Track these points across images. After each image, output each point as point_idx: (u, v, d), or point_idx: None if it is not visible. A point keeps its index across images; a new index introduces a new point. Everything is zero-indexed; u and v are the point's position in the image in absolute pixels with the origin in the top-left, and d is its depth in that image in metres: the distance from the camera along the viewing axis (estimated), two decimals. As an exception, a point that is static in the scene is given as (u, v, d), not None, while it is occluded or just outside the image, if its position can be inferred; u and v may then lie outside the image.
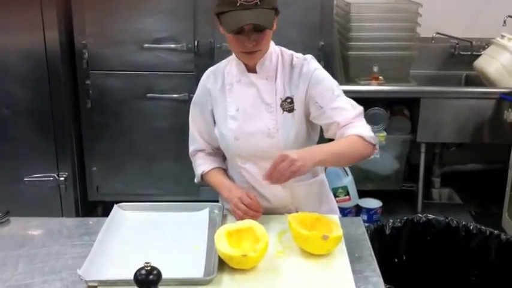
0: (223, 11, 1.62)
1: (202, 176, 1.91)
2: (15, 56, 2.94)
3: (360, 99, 3.31)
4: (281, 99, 1.76)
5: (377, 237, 2.15)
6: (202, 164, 1.92)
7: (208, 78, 1.85)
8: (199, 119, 1.88)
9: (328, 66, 3.14)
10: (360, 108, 1.77)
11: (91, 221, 1.77)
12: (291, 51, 1.83)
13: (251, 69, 1.77)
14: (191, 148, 1.95)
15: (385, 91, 3.34)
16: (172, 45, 3.04)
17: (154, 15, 3.01)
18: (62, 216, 3.21)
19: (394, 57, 3.40)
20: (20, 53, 2.94)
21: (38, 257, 1.56)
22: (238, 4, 1.59)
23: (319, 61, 3.01)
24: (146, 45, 3.04)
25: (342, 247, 1.59)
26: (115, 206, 1.78)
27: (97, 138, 3.23)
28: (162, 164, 3.27)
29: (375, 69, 3.35)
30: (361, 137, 1.68)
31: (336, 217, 1.72)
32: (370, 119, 3.34)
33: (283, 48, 1.83)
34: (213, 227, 1.68)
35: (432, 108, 3.29)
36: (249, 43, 1.64)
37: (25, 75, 2.98)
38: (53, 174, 3.15)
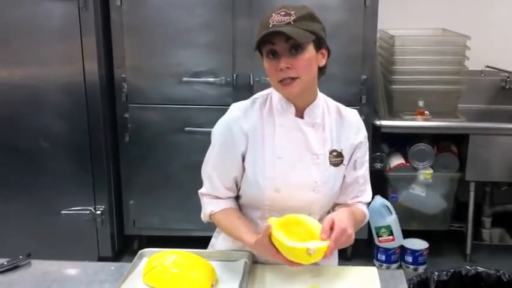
0: (259, 36, 1.51)
1: (210, 216, 1.71)
2: (54, 88, 2.97)
3: (405, 134, 3.28)
4: (328, 151, 1.63)
5: (421, 292, 2.01)
6: (211, 203, 1.70)
7: (243, 114, 1.62)
8: (225, 161, 1.65)
9: (370, 101, 3.08)
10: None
11: (113, 266, 1.68)
12: (334, 101, 1.71)
13: (298, 114, 1.62)
14: (204, 190, 1.72)
15: (432, 127, 3.22)
16: (211, 79, 3.02)
17: (193, 49, 3.00)
18: (98, 249, 3.20)
19: (440, 92, 3.28)
20: (59, 86, 2.97)
21: (54, 307, 1.49)
22: (270, 26, 1.49)
23: (361, 96, 3.03)
24: (185, 78, 3.02)
25: None
26: (139, 252, 1.67)
27: (134, 171, 3.21)
28: (198, 199, 3.20)
29: (421, 103, 3.23)
30: (365, 218, 1.74)
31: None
32: (416, 156, 3.22)
33: (326, 96, 1.71)
34: (244, 281, 1.54)
35: (482, 145, 3.16)
36: (283, 64, 1.50)
37: (64, 108, 3.00)
38: (89, 208, 3.14)
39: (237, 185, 1.69)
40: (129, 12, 2.99)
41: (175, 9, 2.98)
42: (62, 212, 3.11)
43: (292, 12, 1.50)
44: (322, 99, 1.67)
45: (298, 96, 1.59)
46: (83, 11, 2.86)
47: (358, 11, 2.93)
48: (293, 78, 1.52)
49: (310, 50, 1.53)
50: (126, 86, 3.06)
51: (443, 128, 3.23)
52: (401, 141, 3.35)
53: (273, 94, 1.64)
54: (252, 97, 1.69)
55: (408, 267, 3.25)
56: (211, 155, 1.68)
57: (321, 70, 1.61)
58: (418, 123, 3.21)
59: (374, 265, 3.15)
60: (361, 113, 2.96)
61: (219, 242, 1.81)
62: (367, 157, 1.71)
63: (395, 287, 1.57)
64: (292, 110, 1.61)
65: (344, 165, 1.65)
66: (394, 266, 3.27)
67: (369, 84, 3.04)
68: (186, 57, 3.02)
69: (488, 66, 3.50)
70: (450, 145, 3.32)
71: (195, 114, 3.09)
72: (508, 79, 3.58)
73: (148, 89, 3.08)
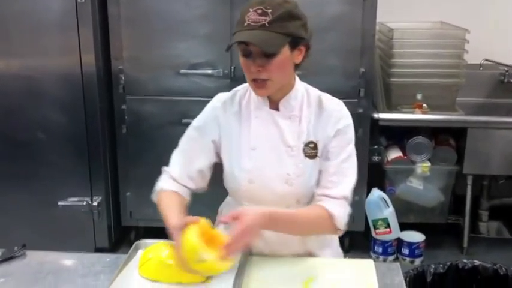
0: (234, 31, 1.51)
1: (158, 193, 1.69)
2: (51, 79, 2.96)
3: (403, 128, 3.27)
4: (303, 143, 1.61)
5: (417, 284, 2.01)
6: (165, 181, 1.68)
7: (222, 106, 1.67)
8: (193, 148, 1.68)
9: (368, 94, 3.07)
10: (352, 185, 1.62)
11: (108, 257, 1.68)
12: (318, 91, 1.67)
13: (273, 106, 1.62)
14: (167, 168, 1.71)
15: (430, 120, 3.21)
16: (209, 71, 3.00)
17: (191, 40, 2.99)
18: (95, 240, 3.20)
19: (439, 85, 3.27)
20: (56, 77, 2.95)
21: (49, 299, 1.48)
22: (245, 24, 1.48)
23: (359, 89, 3.02)
24: (182, 70, 3.01)
25: None
26: (134, 244, 1.67)
27: (131, 163, 3.20)
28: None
29: (419, 96, 3.22)
30: (332, 218, 1.57)
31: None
32: (414, 149, 3.21)
33: (309, 86, 1.68)
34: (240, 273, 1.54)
35: (480, 138, 3.15)
36: (254, 67, 1.50)
37: (61, 99, 2.99)
38: (86, 199, 3.13)
39: (203, 179, 1.69)
40: (126, 4, 2.97)
41: (173, 1, 2.96)
42: (59, 203, 3.10)
43: (269, 11, 1.47)
44: (301, 89, 1.65)
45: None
46: (80, 2, 2.83)
47: (357, 4, 2.91)
48: (265, 80, 1.52)
49: (284, 51, 1.51)
50: (123, 78, 3.05)
51: (441, 121, 3.22)
52: (399, 135, 3.35)
53: None
54: (234, 89, 1.71)
55: (405, 259, 3.25)
56: (184, 137, 1.71)
57: (298, 64, 1.59)
58: (417, 116, 3.20)
59: (371, 257, 3.15)
60: (359, 106, 3.04)
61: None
62: (349, 148, 1.63)
63: (391, 279, 1.57)
64: (266, 102, 1.62)
65: (319, 157, 1.62)
66: (391, 258, 3.27)
67: (367, 77, 3.02)
68: (184, 49, 3.00)
69: (487, 60, 3.49)
70: (448, 138, 3.32)
71: (193, 106, 3.06)
72: (507, 73, 3.57)
73: (146, 81, 3.07)
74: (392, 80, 3.26)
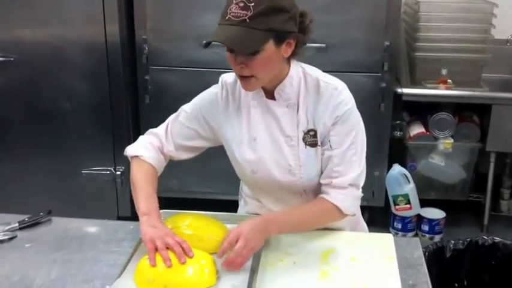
0: (218, 23, 1.44)
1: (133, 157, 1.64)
2: (75, 49, 2.97)
3: (426, 103, 3.23)
4: (303, 131, 1.54)
5: (436, 260, 2.02)
6: (146, 148, 1.64)
7: (225, 93, 1.61)
8: (190, 124, 1.64)
9: (392, 68, 3.03)
10: (359, 176, 1.56)
11: (132, 225, 1.70)
12: (316, 74, 1.56)
13: (269, 95, 1.55)
14: (155, 129, 1.68)
15: (454, 96, 3.17)
16: (232, 42, 2.98)
17: (215, 11, 2.93)
18: (118, 209, 3.25)
19: (465, 60, 3.22)
20: (80, 47, 2.97)
21: (72, 263, 1.51)
22: (227, 18, 1.39)
23: (383, 62, 2.99)
24: (205, 41, 2.99)
25: (395, 273, 1.46)
26: None
27: (154, 133, 3.22)
28: (216, 163, 3.20)
29: (444, 72, 3.18)
30: (337, 208, 1.54)
31: None
32: (436, 125, 3.19)
33: (309, 69, 1.57)
34: None
35: (504, 115, 3.11)
36: (235, 65, 1.44)
37: (85, 69, 3.01)
38: (109, 168, 3.17)
39: (191, 154, 1.69)
40: (151, -27, 2.96)
41: (197, -29, 2.95)
42: (83, 171, 3.15)
43: (252, 4, 1.37)
44: (299, 75, 1.55)
45: None
46: (105, -29, 2.84)
47: (383, -25, 2.87)
48: (249, 76, 1.45)
49: (268, 47, 1.42)
50: (147, 48, 3.06)
51: (465, 97, 3.17)
52: (422, 110, 3.31)
53: None
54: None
55: (424, 236, 3.25)
56: (183, 109, 1.68)
57: (294, 52, 1.51)
58: (440, 91, 3.16)
59: (390, 233, 3.16)
60: (383, 80, 3.02)
61: (241, 204, 1.85)
62: (352, 135, 1.55)
63: (410, 253, 1.57)
64: (261, 92, 1.56)
65: (319, 146, 1.56)
66: (410, 234, 3.27)
67: (391, 51, 2.98)
68: (208, 19, 2.97)
69: (515, 35, 3.43)
70: (472, 115, 3.28)
71: (216, 77, 2.99)
72: (535, 49, 3.50)
73: (169, 52, 3.07)
74: (417, 54, 3.22)
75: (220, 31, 1.42)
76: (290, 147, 1.56)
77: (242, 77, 1.47)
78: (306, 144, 1.55)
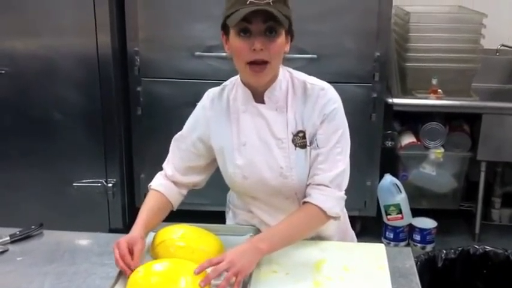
0: (231, 12, 1.43)
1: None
2: (67, 59, 2.97)
3: (417, 113, 3.25)
4: (292, 133, 1.56)
5: (428, 269, 2.02)
6: (157, 178, 1.71)
7: (210, 104, 1.63)
8: (184, 143, 1.68)
9: (383, 78, 3.05)
10: (342, 173, 1.56)
11: (123, 237, 1.70)
12: (303, 77, 1.60)
13: (258, 99, 1.57)
14: (164, 162, 1.73)
15: (444, 105, 3.19)
16: (224, 54, 2.97)
17: (207, 23, 2.98)
18: (109, 221, 3.23)
19: (455, 70, 3.24)
20: (72, 58, 2.97)
21: (65, 276, 1.50)
22: (248, 2, 1.41)
23: (374, 73, 3.00)
24: (197, 53, 3.01)
25: (387, 282, 1.46)
26: None
27: (146, 145, 3.22)
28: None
29: (434, 81, 3.20)
30: (322, 210, 1.53)
31: None
32: (427, 134, 3.21)
33: (295, 73, 1.61)
34: None
35: (495, 124, 3.13)
36: (257, 44, 1.42)
37: (77, 79, 3.01)
38: (101, 180, 3.16)
39: (200, 175, 1.71)
40: (143, -15, 2.97)
41: (189, -18, 2.96)
42: (74, 184, 3.14)
43: None
44: (286, 78, 1.58)
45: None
46: (96, -19, 2.84)
47: (373, -14, 2.89)
48: (265, 63, 1.46)
49: (283, 35, 1.48)
50: (138, 60, 3.06)
51: (456, 106, 3.19)
52: (413, 120, 3.33)
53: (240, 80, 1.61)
54: (223, 83, 1.67)
55: (416, 245, 3.26)
56: (179, 135, 1.72)
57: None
58: (431, 101, 3.19)
59: (382, 243, 3.16)
60: (374, 91, 3.03)
61: (229, 216, 1.84)
62: (338, 134, 1.56)
63: (402, 263, 1.57)
64: (251, 96, 1.57)
65: (308, 146, 1.57)
66: (402, 244, 3.28)
67: (382, 61, 3.01)
68: (200, 30, 3.00)
69: (503, 45, 3.46)
70: (462, 124, 3.30)
71: (207, 88, 3.01)
72: (524, 58, 3.54)
73: (161, 63, 3.08)
74: (407, 64, 3.24)
75: (245, 11, 1.41)
76: (281, 150, 1.57)
77: (255, 65, 1.47)
78: (295, 146, 1.57)
